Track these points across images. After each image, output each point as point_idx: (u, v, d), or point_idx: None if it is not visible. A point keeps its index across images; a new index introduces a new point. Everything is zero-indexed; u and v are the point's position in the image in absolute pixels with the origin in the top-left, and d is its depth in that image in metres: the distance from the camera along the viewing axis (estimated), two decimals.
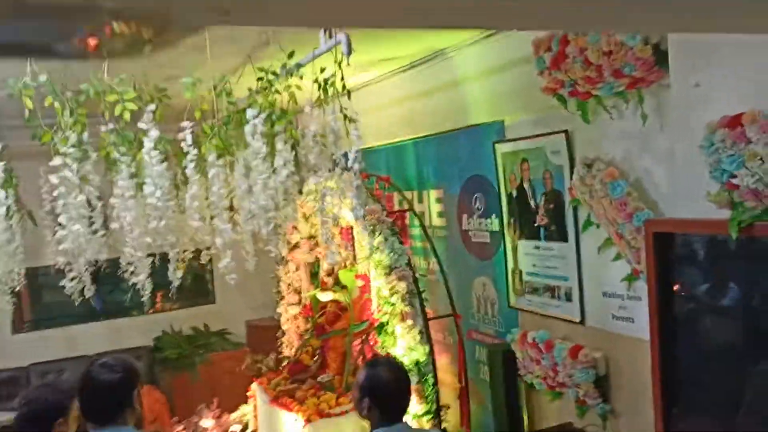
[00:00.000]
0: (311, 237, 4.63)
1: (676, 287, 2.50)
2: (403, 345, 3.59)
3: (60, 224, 2.30)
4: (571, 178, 2.97)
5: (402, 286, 3.61)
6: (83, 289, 2.58)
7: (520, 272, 3.48)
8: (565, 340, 3.14)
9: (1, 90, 2.31)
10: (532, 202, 3.33)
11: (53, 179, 2.23)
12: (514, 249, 3.50)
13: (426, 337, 3.63)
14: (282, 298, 4.96)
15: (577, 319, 3.12)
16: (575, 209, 3.05)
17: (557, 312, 3.25)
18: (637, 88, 2.59)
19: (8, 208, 2.41)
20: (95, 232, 2.52)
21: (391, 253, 3.67)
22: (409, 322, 3.59)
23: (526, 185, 3.36)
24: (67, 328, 5.99)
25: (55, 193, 2.27)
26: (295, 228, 4.52)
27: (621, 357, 2.91)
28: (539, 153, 3.23)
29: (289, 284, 4.93)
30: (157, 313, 6.25)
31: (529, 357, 3.31)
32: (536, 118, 3.26)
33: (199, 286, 6.39)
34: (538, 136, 3.22)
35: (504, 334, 3.63)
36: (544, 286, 3.33)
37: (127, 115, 2.27)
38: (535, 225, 3.32)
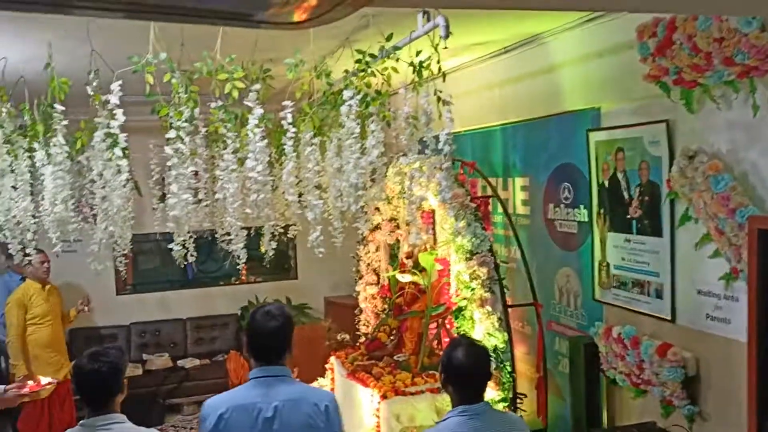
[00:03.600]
0: (392, 219, 4.71)
1: None
2: (481, 330, 3.60)
3: (170, 193, 2.49)
4: (670, 170, 2.85)
5: (483, 272, 3.61)
6: (186, 254, 2.78)
7: (608, 265, 3.38)
8: (653, 338, 3.04)
9: (121, 67, 2.51)
10: (625, 194, 3.22)
11: (168, 150, 2.42)
12: (603, 241, 3.41)
13: (505, 324, 3.61)
14: (361, 277, 5.08)
15: (668, 317, 3.01)
16: (672, 203, 2.93)
17: (645, 308, 3.14)
18: (750, 77, 2.44)
19: (125, 177, 2.63)
20: (199, 201, 2.71)
21: (474, 238, 3.67)
22: (488, 308, 3.59)
23: (619, 176, 3.25)
24: (162, 294, 6.48)
25: (168, 164, 2.46)
26: (377, 209, 4.61)
27: (713, 358, 2.79)
28: (636, 143, 3.11)
29: (369, 264, 5.04)
30: (242, 284, 6.60)
31: (612, 352, 3.23)
32: (635, 107, 3.14)
33: (282, 262, 6.68)
34: (636, 125, 3.11)
35: (586, 327, 3.56)
36: (632, 281, 3.23)
37: (235, 93, 2.42)
38: (627, 217, 3.21)
